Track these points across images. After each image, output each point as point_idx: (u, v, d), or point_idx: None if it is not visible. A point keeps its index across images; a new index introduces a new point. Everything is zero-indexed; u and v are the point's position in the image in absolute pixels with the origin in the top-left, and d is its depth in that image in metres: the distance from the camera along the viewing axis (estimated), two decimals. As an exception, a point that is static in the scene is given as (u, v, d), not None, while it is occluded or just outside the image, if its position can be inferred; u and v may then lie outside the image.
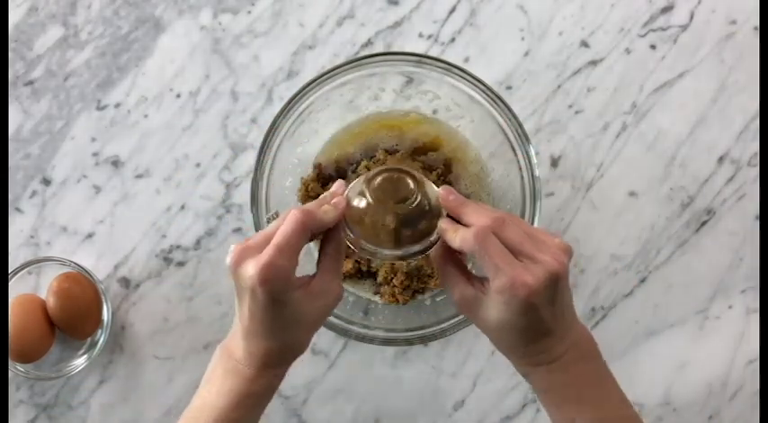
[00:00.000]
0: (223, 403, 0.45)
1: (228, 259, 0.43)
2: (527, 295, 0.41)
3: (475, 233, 0.42)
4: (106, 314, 0.64)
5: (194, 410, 0.46)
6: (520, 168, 0.56)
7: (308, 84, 0.56)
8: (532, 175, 0.56)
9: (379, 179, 0.47)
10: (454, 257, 0.47)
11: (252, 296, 0.42)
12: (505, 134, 0.56)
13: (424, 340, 0.57)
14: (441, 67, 0.56)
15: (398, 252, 0.48)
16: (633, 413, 0.47)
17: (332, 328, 0.56)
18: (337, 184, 0.48)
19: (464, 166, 0.63)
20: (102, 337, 0.64)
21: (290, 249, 0.42)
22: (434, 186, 0.48)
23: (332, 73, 0.55)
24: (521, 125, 0.55)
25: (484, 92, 0.56)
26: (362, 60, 0.55)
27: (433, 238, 0.47)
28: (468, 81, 0.56)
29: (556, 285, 0.42)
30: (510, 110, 0.56)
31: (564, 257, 0.43)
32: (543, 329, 0.43)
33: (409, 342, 0.56)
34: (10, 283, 0.63)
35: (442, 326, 0.56)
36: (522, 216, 0.56)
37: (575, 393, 0.45)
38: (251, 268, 0.42)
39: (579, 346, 0.45)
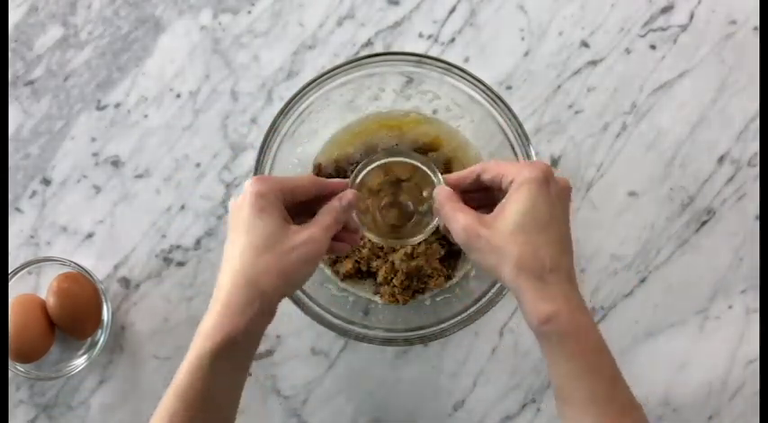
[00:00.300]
0: (185, 366, 0.44)
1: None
2: (543, 167, 0.46)
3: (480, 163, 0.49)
4: (106, 314, 0.64)
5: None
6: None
7: (308, 84, 0.56)
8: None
9: (383, 202, 0.53)
10: (456, 197, 0.49)
11: (242, 202, 0.46)
12: (506, 134, 0.57)
13: (424, 340, 0.57)
14: (441, 67, 0.56)
15: (402, 240, 0.53)
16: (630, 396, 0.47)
17: (332, 327, 0.56)
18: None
19: (464, 166, 0.62)
20: (102, 337, 0.64)
21: (290, 182, 0.47)
22: (437, 175, 0.51)
23: (332, 73, 0.56)
24: (521, 125, 0.56)
25: (484, 92, 0.56)
26: (362, 60, 0.56)
27: (432, 224, 0.51)
28: (468, 81, 0.56)
29: (568, 194, 0.47)
30: (510, 110, 0.56)
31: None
32: (559, 228, 0.45)
33: (409, 342, 0.56)
34: (10, 283, 0.63)
35: (442, 326, 0.56)
36: None
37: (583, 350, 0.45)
38: (249, 182, 0.46)
39: (578, 299, 0.46)
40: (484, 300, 0.56)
